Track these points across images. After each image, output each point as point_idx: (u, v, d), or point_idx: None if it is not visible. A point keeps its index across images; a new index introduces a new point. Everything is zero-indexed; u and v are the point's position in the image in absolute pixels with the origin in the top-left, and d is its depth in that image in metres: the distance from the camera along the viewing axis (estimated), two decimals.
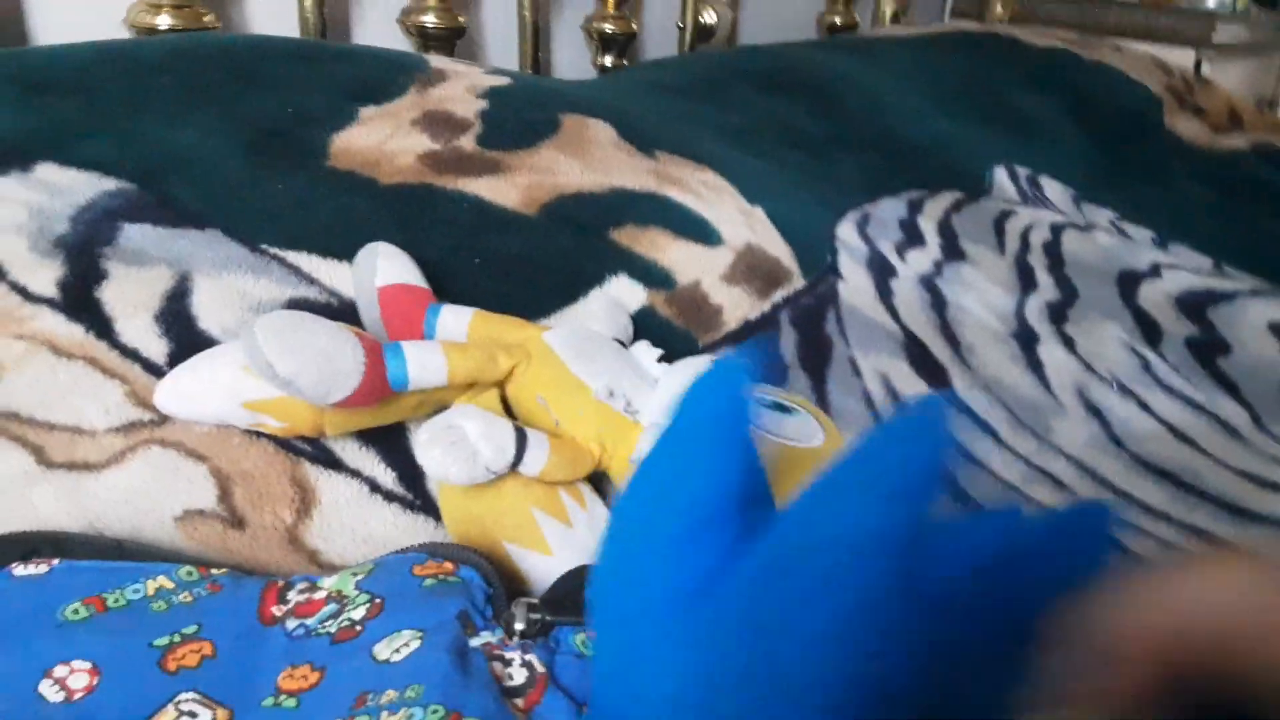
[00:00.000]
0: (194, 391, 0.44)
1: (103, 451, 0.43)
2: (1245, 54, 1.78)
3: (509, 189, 0.62)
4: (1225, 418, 0.77)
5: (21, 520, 0.40)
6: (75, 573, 0.38)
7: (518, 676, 0.36)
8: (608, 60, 1.25)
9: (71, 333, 0.47)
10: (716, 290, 0.62)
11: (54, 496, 0.41)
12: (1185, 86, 1.49)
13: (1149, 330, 0.89)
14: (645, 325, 0.58)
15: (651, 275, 0.61)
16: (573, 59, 1.26)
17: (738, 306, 0.63)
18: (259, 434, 0.46)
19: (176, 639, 0.36)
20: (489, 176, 0.62)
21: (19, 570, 0.37)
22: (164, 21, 0.80)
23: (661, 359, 0.51)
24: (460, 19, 1.04)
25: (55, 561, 0.38)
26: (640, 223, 0.63)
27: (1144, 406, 0.76)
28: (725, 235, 0.66)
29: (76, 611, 0.36)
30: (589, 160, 0.66)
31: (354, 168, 0.60)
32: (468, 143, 0.64)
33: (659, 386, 0.49)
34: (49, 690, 0.33)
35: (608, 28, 1.22)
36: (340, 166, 0.60)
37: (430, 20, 1.02)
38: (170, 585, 0.38)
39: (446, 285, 0.55)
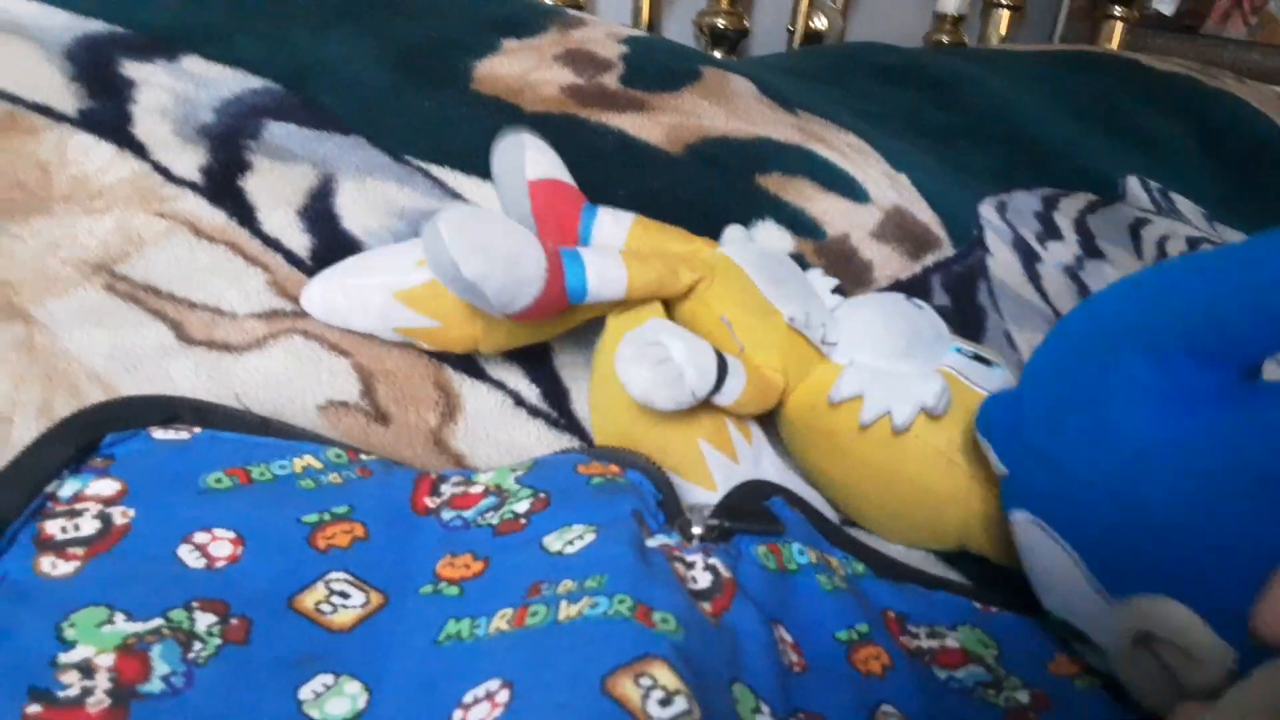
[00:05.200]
0: (341, 308, 0.41)
1: (243, 334, 0.41)
2: None
3: (653, 127, 0.59)
4: None
5: (160, 391, 0.37)
6: (218, 443, 0.34)
7: (702, 580, 0.32)
8: (717, 54, 1.23)
9: (213, 217, 0.44)
10: (866, 246, 0.59)
11: (194, 371, 0.38)
12: None
13: None
14: None
15: (800, 223, 0.57)
16: None
17: (888, 264, 0.59)
18: None
19: (326, 517, 0.33)
20: (633, 113, 0.59)
21: (159, 434, 0.34)
22: None
23: (836, 290, 0.47)
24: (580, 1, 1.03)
25: (197, 429, 0.35)
26: (787, 171, 0.60)
27: None
28: (873, 194, 0.62)
29: (219, 480, 0.33)
30: (732, 109, 0.63)
31: (497, 93, 0.57)
32: (610, 80, 0.62)
33: (840, 320, 0.45)
34: (188, 555, 0.30)
35: (720, 23, 1.20)
36: (484, 91, 0.57)
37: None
38: (318, 465, 0.35)
39: None
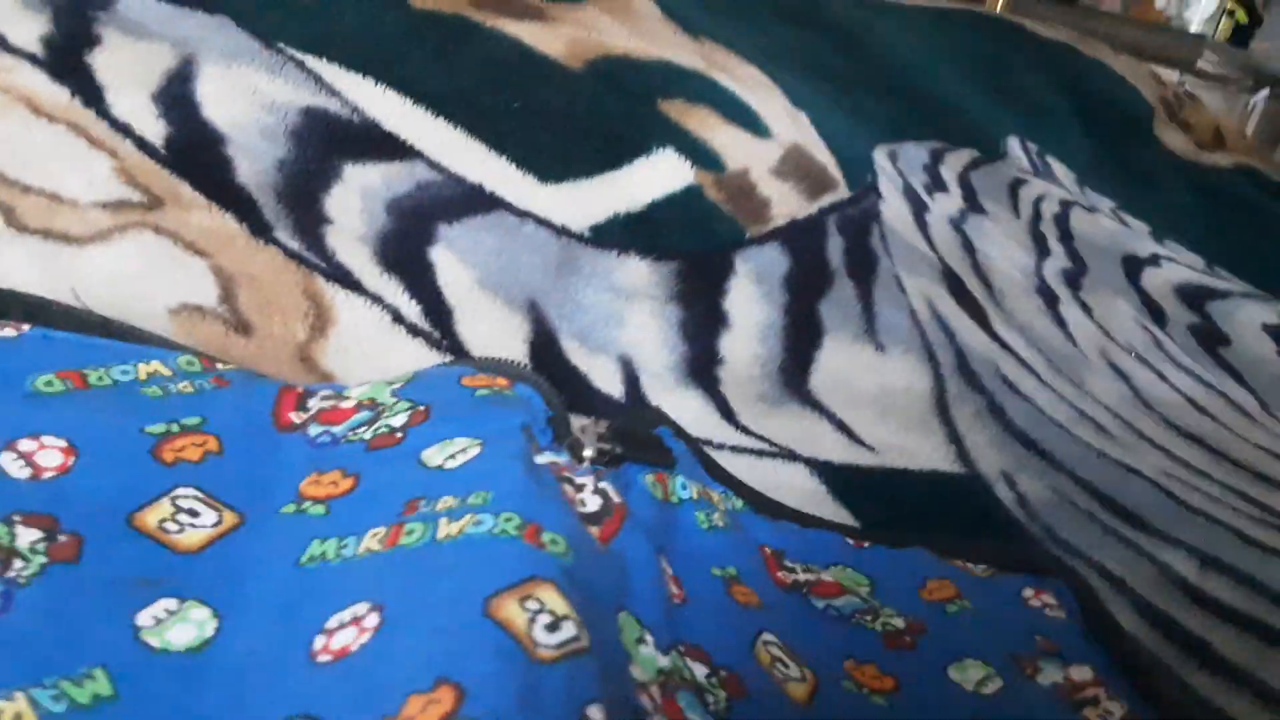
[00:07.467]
0: None
1: (86, 225, 0.36)
2: (1218, 86, 1.79)
3: (552, 39, 0.56)
4: (1236, 400, 0.76)
5: None
6: (50, 342, 0.30)
7: (590, 504, 0.30)
8: None
9: (54, 94, 0.39)
10: (766, 182, 0.57)
11: (27, 262, 0.34)
12: (1176, 100, 1.50)
13: (1154, 312, 0.87)
14: (692, 208, 0.53)
15: (700, 154, 0.55)
16: None
17: (785, 202, 0.58)
18: (267, 239, 0.39)
19: (175, 428, 0.29)
20: (530, 22, 0.56)
21: None
22: None
23: None
24: None
25: (26, 327, 0.31)
26: (690, 99, 0.58)
27: (1162, 377, 0.74)
28: (774, 130, 0.61)
29: (50, 384, 0.29)
30: (636, 27, 0.61)
31: None
32: None
33: None
34: (11, 464, 0.26)
35: None
36: None
37: None
38: (167, 372, 0.31)
39: (482, 125, 0.49)
